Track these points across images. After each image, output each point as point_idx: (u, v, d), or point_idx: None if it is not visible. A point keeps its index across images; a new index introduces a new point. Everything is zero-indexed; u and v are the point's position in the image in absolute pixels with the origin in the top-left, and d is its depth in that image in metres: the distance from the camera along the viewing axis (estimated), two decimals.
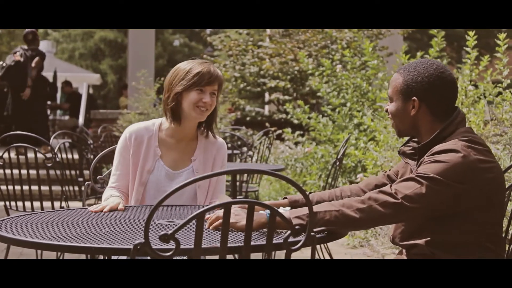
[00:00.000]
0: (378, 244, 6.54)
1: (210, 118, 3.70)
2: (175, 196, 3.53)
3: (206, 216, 2.68)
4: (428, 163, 2.79)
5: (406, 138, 3.14)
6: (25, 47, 12.31)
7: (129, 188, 3.67)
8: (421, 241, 2.88)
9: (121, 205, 3.30)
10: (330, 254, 5.77)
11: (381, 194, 2.72)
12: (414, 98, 2.93)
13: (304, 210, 2.67)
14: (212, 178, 3.70)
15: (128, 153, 3.66)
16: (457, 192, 2.73)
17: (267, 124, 12.98)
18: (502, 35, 6.34)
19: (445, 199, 2.73)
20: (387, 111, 3.06)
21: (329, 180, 6.05)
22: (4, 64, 12.37)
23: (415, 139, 3.07)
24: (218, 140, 3.79)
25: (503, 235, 3.07)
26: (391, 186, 2.77)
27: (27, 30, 12.37)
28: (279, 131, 11.35)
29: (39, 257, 5.18)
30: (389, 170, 3.27)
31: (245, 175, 7.37)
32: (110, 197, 3.49)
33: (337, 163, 5.99)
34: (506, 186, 3.15)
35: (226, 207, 2.17)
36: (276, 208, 2.28)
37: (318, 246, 5.74)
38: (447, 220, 2.81)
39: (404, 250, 3.01)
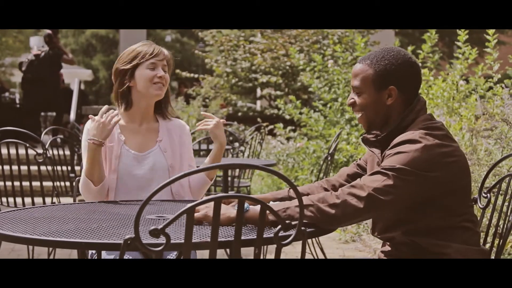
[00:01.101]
0: (370, 239, 6.55)
1: (165, 99, 3.76)
2: (146, 183, 3.58)
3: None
4: (391, 155, 2.80)
5: None
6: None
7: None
8: (397, 233, 2.92)
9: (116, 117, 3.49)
10: (322, 249, 5.77)
11: (352, 189, 2.73)
12: (392, 87, 2.92)
13: (287, 204, 2.68)
14: (181, 152, 3.76)
15: None
16: (423, 180, 2.75)
17: (258, 120, 12.99)
18: (491, 31, 6.35)
19: (413, 188, 2.75)
20: (351, 105, 3.01)
21: (321, 175, 6.06)
22: (26, 60, 13.47)
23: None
24: (179, 121, 3.85)
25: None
26: (360, 180, 2.77)
27: (45, 32, 13.56)
28: (271, 127, 11.36)
29: (30, 253, 5.17)
30: (359, 159, 3.28)
31: (237, 170, 7.37)
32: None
33: (329, 158, 6.00)
34: (497, 180, 3.17)
35: (216, 201, 2.16)
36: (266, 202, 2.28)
37: (309, 241, 5.74)
38: (419, 209, 2.83)
39: (387, 242, 3.04)
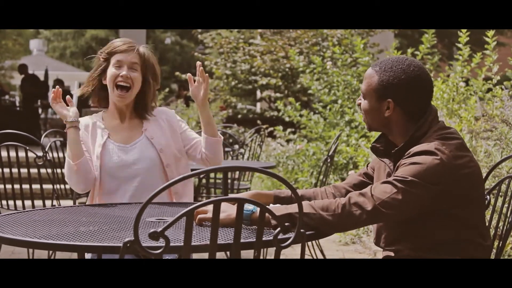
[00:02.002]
0: (370, 241, 6.54)
1: (142, 101, 3.72)
2: (135, 172, 3.58)
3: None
4: (406, 165, 2.75)
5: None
6: None
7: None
8: (404, 246, 2.88)
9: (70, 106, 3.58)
10: (322, 251, 5.77)
11: (359, 198, 2.70)
12: (389, 100, 2.88)
13: (289, 209, 2.67)
14: (172, 134, 3.73)
15: (81, 137, 3.70)
16: (434, 193, 2.71)
17: (258, 122, 12.98)
18: (490, 32, 6.36)
19: (422, 202, 2.71)
20: (359, 105, 3.01)
21: (321, 177, 6.05)
22: None
23: (389, 137, 3.03)
24: (161, 108, 3.83)
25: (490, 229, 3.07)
26: (370, 189, 2.74)
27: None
28: (271, 129, 11.35)
29: (30, 256, 5.17)
30: (367, 166, 3.24)
31: (237, 172, 7.37)
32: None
33: (328, 160, 5.99)
34: (497, 182, 3.16)
35: (216, 204, 2.16)
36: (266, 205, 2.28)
37: (309, 243, 5.74)
38: (427, 221, 2.79)
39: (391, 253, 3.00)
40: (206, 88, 3.59)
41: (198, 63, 3.58)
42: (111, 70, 3.62)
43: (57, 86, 3.62)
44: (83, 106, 15.16)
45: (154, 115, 3.76)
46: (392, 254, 2.98)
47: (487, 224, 3.22)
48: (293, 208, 2.67)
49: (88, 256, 3.31)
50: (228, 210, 2.66)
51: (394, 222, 2.84)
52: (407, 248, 2.87)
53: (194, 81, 3.61)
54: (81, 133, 3.68)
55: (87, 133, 3.72)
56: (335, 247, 7.05)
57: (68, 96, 3.58)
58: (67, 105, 3.61)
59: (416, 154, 2.77)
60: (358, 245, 6.65)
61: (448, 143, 2.79)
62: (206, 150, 3.67)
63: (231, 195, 3.26)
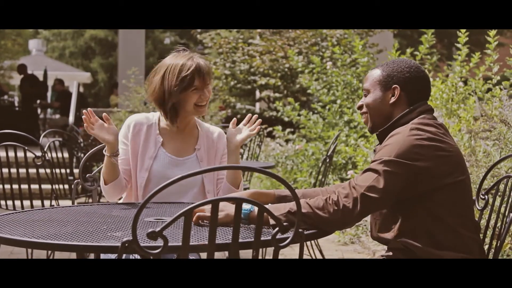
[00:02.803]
0: (369, 241, 6.55)
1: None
2: (183, 190, 3.54)
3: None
4: (381, 149, 2.86)
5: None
6: None
7: (131, 175, 3.65)
8: (390, 235, 2.93)
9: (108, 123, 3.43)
10: (321, 251, 5.78)
11: (346, 190, 2.76)
12: (395, 85, 2.99)
13: (288, 209, 2.69)
14: (216, 163, 3.71)
15: (128, 139, 3.64)
16: (412, 169, 2.77)
17: None
18: (492, 32, 6.37)
19: (403, 179, 2.77)
20: (360, 108, 3.09)
21: (320, 177, 6.06)
22: None
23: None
24: (218, 130, 3.80)
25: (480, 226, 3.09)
26: (354, 180, 2.80)
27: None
28: (270, 129, 11.36)
29: (29, 256, 5.17)
30: None
31: None
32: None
33: (327, 160, 6.00)
34: (495, 182, 3.17)
35: (214, 204, 2.16)
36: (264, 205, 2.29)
37: (308, 243, 5.74)
38: (409, 205, 2.84)
39: (385, 247, 3.05)
40: (249, 136, 3.61)
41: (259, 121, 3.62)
42: (191, 96, 3.56)
43: (85, 111, 3.44)
44: (82, 106, 15.19)
45: (210, 127, 3.78)
46: (385, 248, 3.03)
47: (485, 224, 3.24)
48: (291, 207, 2.69)
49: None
50: (226, 209, 2.67)
51: (385, 207, 2.86)
52: (392, 238, 2.91)
53: (237, 124, 3.64)
54: (130, 137, 3.63)
55: (138, 138, 3.65)
56: (334, 247, 7.05)
57: (104, 114, 3.47)
58: (104, 121, 3.48)
59: (392, 135, 2.87)
60: (357, 245, 6.65)
61: (424, 128, 2.87)
62: (222, 192, 3.67)
63: (229, 195, 3.26)
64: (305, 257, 5.17)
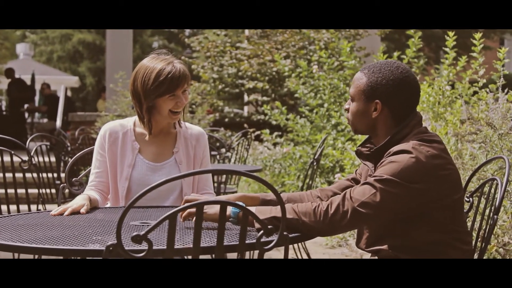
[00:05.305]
0: None
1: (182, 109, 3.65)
2: (163, 195, 3.51)
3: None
4: (383, 165, 2.79)
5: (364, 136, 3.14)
6: None
7: (109, 186, 3.62)
8: (383, 246, 2.90)
9: (84, 208, 3.19)
10: (308, 254, 5.78)
11: (339, 201, 2.72)
12: (377, 101, 2.92)
13: (273, 212, 2.68)
14: (195, 165, 3.68)
15: (104, 150, 3.61)
16: (412, 192, 2.73)
17: (245, 125, 12.99)
18: (477, 35, 6.39)
19: (401, 200, 2.73)
20: (347, 110, 3.04)
21: (307, 180, 6.07)
22: None
23: (372, 140, 3.07)
24: (197, 129, 3.74)
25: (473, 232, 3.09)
26: (350, 192, 2.76)
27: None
28: (258, 132, 11.37)
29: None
30: (355, 171, 3.26)
31: (223, 176, 7.37)
32: (77, 199, 3.34)
33: (315, 164, 6.01)
34: (479, 184, 3.18)
35: (199, 207, 2.17)
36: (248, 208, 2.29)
37: (295, 246, 5.75)
38: (407, 223, 2.81)
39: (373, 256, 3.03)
40: None
41: None
42: (167, 101, 3.51)
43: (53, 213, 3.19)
44: (70, 110, 15.16)
45: (188, 127, 3.73)
46: (372, 256, 3.01)
47: (470, 226, 3.24)
48: (277, 211, 2.68)
49: None
50: (216, 206, 2.67)
51: (374, 223, 2.85)
52: (385, 248, 2.89)
53: None
54: (106, 147, 3.61)
55: (115, 147, 3.62)
56: (321, 250, 7.06)
57: (82, 210, 3.21)
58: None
59: (394, 153, 2.80)
60: (345, 248, 6.66)
61: (426, 144, 2.82)
62: None
63: (215, 197, 3.26)
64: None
